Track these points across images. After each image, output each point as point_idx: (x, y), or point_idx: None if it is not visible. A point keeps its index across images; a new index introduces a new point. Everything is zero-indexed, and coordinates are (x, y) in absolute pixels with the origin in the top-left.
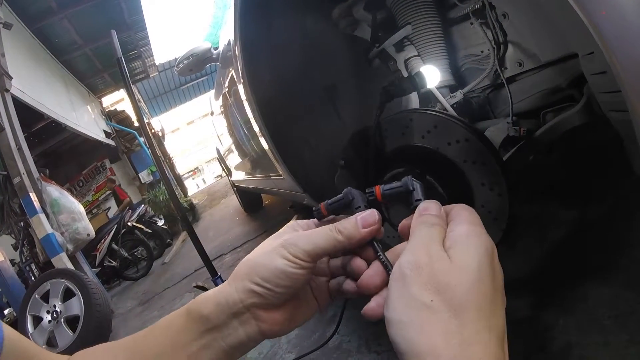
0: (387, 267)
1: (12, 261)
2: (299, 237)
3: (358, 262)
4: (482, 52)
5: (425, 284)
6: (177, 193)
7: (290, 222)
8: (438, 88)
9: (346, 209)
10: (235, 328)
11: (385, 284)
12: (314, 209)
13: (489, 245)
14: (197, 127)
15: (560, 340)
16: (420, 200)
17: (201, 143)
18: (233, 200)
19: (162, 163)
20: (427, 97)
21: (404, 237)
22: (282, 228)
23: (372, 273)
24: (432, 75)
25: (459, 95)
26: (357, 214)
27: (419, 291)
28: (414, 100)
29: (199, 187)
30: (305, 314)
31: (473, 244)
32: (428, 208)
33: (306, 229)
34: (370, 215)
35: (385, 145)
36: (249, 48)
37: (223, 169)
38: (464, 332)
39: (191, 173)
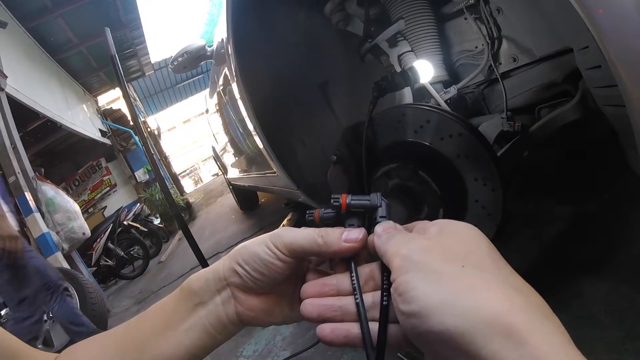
0: (355, 291)
1: None
2: (285, 231)
3: (304, 287)
4: (476, 47)
5: (445, 257)
6: (173, 192)
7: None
8: (432, 84)
9: (339, 223)
10: (216, 305)
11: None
12: (307, 212)
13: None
14: (193, 126)
15: None
16: (384, 217)
17: (197, 142)
18: (229, 199)
19: (159, 162)
20: (421, 93)
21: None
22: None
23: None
24: (426, 70)
25: (452, 90)
26: (347, 228)
27: (443, 265)
28: (407, 96)
29: (196, 186)
30: (285, 315)
31: (454, 223)
32: (388, 227)
33: None
34: (357, 232)
35: (377, 141)
36: (241, 46)
37: (219, 167)
38: (515, 283)
39: (188, 172)
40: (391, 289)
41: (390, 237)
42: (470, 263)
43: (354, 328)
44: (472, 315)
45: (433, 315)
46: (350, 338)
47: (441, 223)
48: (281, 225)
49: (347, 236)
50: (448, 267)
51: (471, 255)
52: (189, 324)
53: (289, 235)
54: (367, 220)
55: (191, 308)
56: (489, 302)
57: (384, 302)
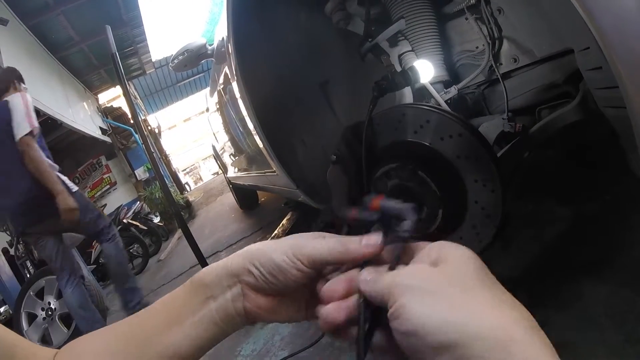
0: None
1: (4, 249)
2: (307, 241)
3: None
4: (477, 47)
5: (442, 283)
6: (172, 190)
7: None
8: (432, 84)
9: (369, 226)
10: (226, 300)
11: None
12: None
13: (467, 249)
14: (194, 125)
15: (556, 338)
16: (406, 232)
17: (198, 140)
18: (229, 198)
19: (159, 160)
20: (421, 93)
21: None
22: (310, 233)
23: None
24: (426, 70)
25: (453, 90)
26: (365, 235)
27: (441, 288)
28: (407, 96)
29: (196, 184)
30: (290, 314)
31: (446, 246)
32: (370, 272)
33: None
34: (374, 238)
35: (377, 141)
36: (242, 45)
37: (219, 166)
38: (509, 302)
39: (188, 170)
40: (389, 316)
41: (378, 278)
42: (463, 284)
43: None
44: (468, 329)
45: (430, 332)
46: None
47: (434, 247)
48: (281, 224)
49: (367, 241)
50: (441, 288)
51: (464, 277)
52: (198, 317)
53: (311, 246)
54: (389, 226)
55: (202, 301)
56: (485, 317)
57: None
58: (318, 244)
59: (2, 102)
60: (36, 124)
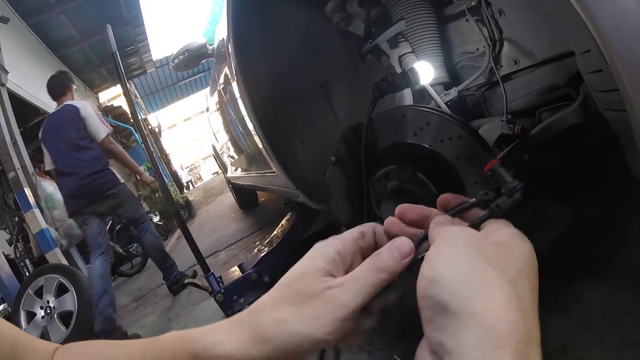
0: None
1: (7, 257)
2: (345, 292)
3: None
4: (477, 49)
5: (480, 252)
6: (172, 190)
7: (322, 244)
8: (432, 85)
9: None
10: None
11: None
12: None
13: (534, 252)
14: (194, 124)
15: (554, 340)
16: (499, 207)
17: (198, 140)
18: (229, 198)
19: (159, 159)
20: (422, 95)
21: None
22: (314, 252)
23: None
24: (426, 71)
25: (453, 92)
26: (390, 243)
27: (474, 255)
28: (407, 97)
29: (195, 185)
30: None
31: (523, 242)
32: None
33: (347, 255)
34: (406, 245)
35: (377, 142)
36: (242, 45)
37: (219, 166)
38: (523, 302)
39: (188, 170)
40: (425, 254)
41: (441, 223)
42: (498, 265)
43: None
44: (469, 303)
45: (442, 286)
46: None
47: (504, 229)
48: (280, 224)
49: (400, 253)
50: (475, 257)
51: (504, 260)
52: None
53: (359, 302)
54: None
55: None
56: (488, 301)
57: None
58: (361, 292)
59: (71, 106)
60: (109, 125)
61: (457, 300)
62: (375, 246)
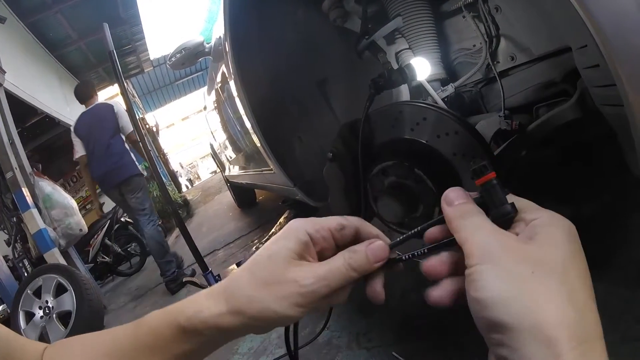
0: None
1: (5, 257)
2: (310, 278)
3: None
4: (474, 45)
5: (520, 260)
6: (170, 189)
7: (296, 224)
8: (429, 81)
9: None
10: (222, 339)
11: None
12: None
13: (572, 226)
14: (192, 123)
15: None
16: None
17: (196, 139)
18: (227, 197)
19: (157, 159)
20: (419, 92)
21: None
22: (289, 240)
23: (435, 262)
24: (423, 67)
25: (450, 88)
26: (367, 244)
27: (516, 266)
28: (404, 93)
29: (194, 184)
30: None
31: (557, 225)
32: (459, 195)
33: (319, 240)
34: (382, 249)
35: (374, 138)
36: (239, 43)
37: (217, 165)
38: (576, 299)
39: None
40: (465, 272)
41: (464, 213)
42: (542, 269)
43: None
44: (523, 318)
45: (493, 307)
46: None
47: (538, 216)
48: (278, 222)
49: (376, 256)
50: (519, 269)
51: (546, 263)
52: (181, 352)
53: (324, 287)
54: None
55: (185, 350)
56: (542, 311)
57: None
58: (326, 276)
59: (106, 105)
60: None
61: (510, 317)
62: (354, 240)
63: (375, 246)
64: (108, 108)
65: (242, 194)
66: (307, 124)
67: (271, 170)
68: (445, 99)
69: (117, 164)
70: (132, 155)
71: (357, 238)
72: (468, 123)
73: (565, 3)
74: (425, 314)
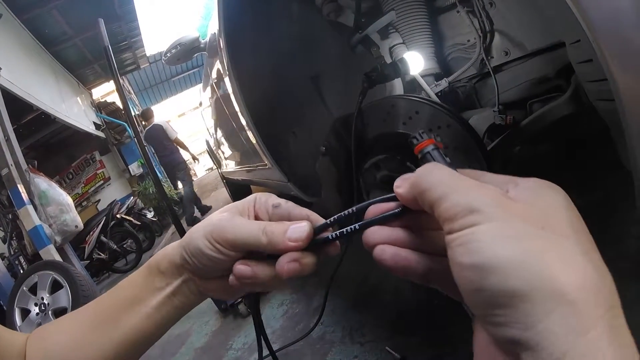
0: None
1: (1, 254)
2: (228, 223)
3: (240, 268)
4: (468, 41)
5: (522, 217)
6: (166, 186)
7: (249, 198)
8: (423, 76)
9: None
10: (180, 284)
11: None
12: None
13: (562, 190)
14: (188, 120)
15: None
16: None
17: (192, 136)
18: (223, 193)
19: (152, 155)
20: (412, 86)
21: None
22: (241, 201)
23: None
24: (416, 61)
25: (443, 83)
26: (292, 222)
27: (519, 223)
28: (398, 88)
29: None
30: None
31: (552, 187)
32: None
33: (261, 212)
34: (301, 229)
35: (366, 132)
36: (233, 39)
37: (213, 161)
38: (595, 261)
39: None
40: (449, 237)
41: (431, 170)
42: (550, 226)
43: (414, 260)
44: (539, 283)
45: (496, 272)
46: (410, 270)
47: (516, 181)
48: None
49: (291, 235)
50: (524, 225)
51: (551, 218)
52: (157, 301)
53: (231, 230)
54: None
55: (159, 287)
56: (561, 273)
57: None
58: (240, 228)
59: (159, 125)
60: (174, 130)
61: (523, 283)
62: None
63: (296, 225)
64: (160, 127)
65: (238, 190)
66: (301, 118)
67: (266, 165)
68: (439, 94)
69: (168, 157)
70: (179, 150)
71: (289, 220)
72: (460, 117)
73: None
74: (418, 309)
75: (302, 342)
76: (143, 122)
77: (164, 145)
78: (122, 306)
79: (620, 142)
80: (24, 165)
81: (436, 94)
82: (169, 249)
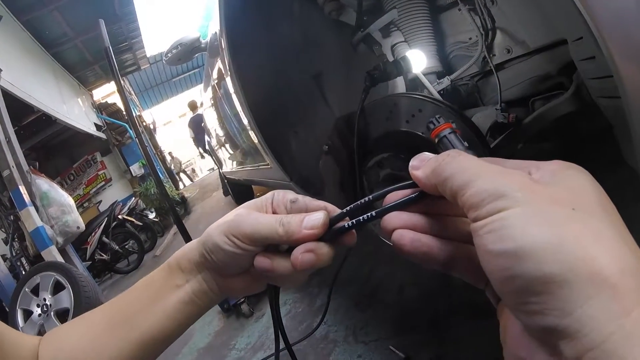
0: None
1: (3, 256)
2: (244, 218)
3: (260, 260)
4: (470, 39)
5: (551, 201)
6: (168, 186)
7: (267, 195)
8: (425, 74)
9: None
10: (200, 282)
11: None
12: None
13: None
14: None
15: None
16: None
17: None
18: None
19: (154, 156)
20: (415, 85)
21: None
22: (259, 198)
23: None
24: (418, 60)
25: (446, 81)
26: (308, 213)
27: (550, 206)
28: (400, 87)
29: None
30: (265, 285)
31: (577, 169)
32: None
33: (279, 208)
34: (317, 218)
35: (369, 131)
36: (234, 38)
37: (214, 161)
38: (630, 243)
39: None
40: (476, 225)
41: (453, 156)
42: (580, 206)
43: (435, 246)
44: (577, 267)
45: (530, 258)
46: (431, 256)
47: (538, 165)
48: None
49: (307, 223)
50: (555, 208)
51: (580, 198)
52: (177, 299)
53: (249, 224)
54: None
55: (180, 285)
56: (599, 255)
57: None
58: (257, 221)
59: (199, 114)
60: None
61: (561, 267)
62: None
63: (312, 214)
64: (200, 115)
65: (240, 190)
66: (303, 117)
67: (268, 165)
68: (442, 92)
69: (203, 140)
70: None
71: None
72: (463, 114)
73: None
74: (422, 308)
75: (305, 341)
76: (191, 112)
77: (202, 129)
78: (139, 306)
79: (624, 139)
80: (25, 166)
81: (438, 92)
82: (187, 247)
